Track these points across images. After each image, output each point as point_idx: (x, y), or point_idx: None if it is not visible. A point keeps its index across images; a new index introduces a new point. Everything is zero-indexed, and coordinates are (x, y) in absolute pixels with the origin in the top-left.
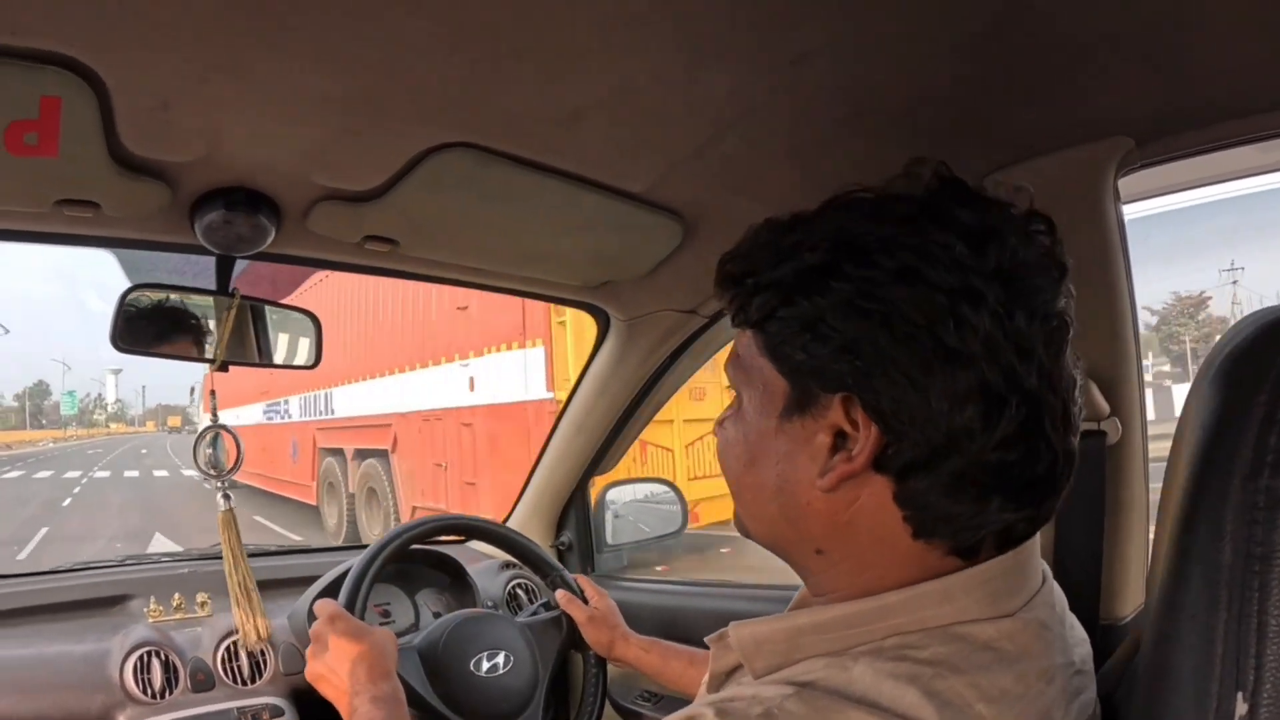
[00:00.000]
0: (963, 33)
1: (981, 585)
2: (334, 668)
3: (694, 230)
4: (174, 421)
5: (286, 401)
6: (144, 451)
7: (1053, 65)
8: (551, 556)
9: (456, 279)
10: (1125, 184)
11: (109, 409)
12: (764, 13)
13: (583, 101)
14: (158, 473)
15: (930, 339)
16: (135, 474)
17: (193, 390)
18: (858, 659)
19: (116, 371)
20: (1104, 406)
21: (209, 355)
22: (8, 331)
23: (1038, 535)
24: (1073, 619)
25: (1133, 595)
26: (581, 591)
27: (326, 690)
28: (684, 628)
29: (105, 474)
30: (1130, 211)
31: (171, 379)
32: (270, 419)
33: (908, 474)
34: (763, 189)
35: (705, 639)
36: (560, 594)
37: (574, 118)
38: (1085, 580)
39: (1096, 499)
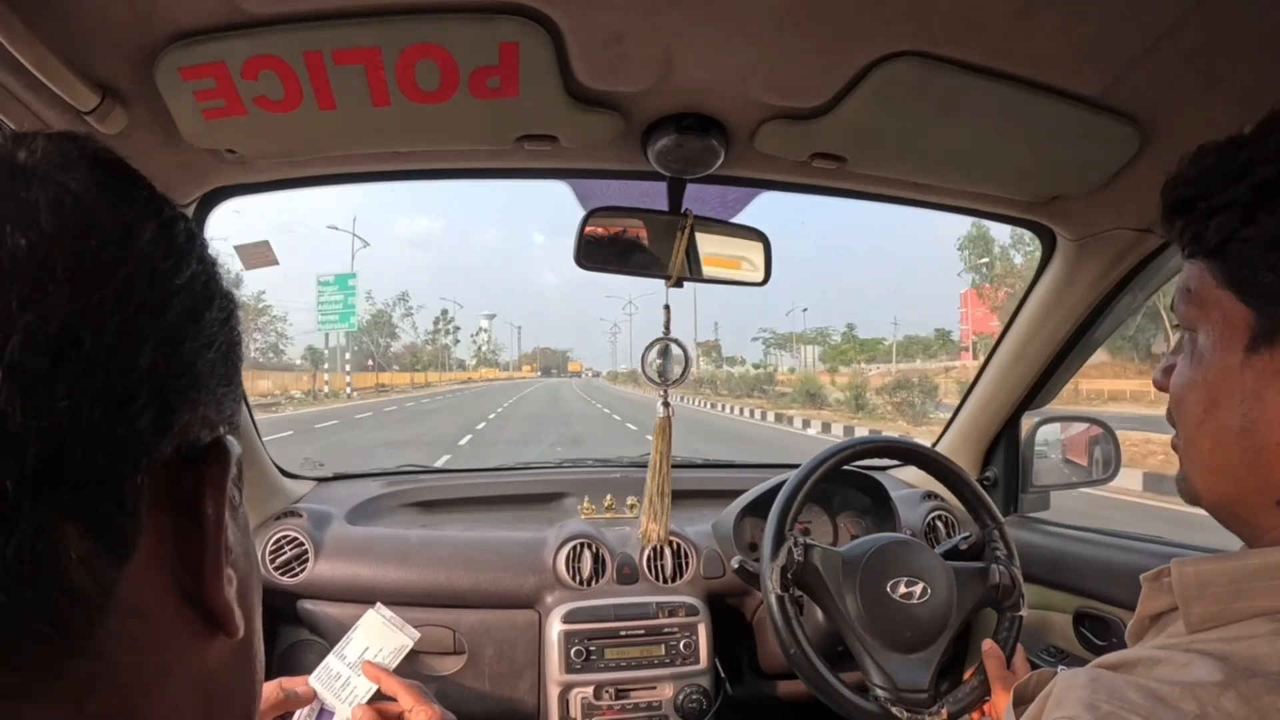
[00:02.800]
0: None
1: None
2: None
3: (1152, 137)
4: (575, 367)
5: None
6: None
7: None
8: (992, 503)
9: (901, 196)
10: None
11: (480, 348)
12: None
13: None
14: None
15: None
16: None
17: None
18: None
19: (490, 316)
20: None
21: (666, 272)
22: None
23: None
24: None
25: None
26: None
27: None
28: (1113, 585)
29: None
30: None
31: (550, 323)
32: None
33: None
34: (1231, 87)
35: (1140, 576)
36: (988, 645)
37: (1023, 14)
38: None
39: None
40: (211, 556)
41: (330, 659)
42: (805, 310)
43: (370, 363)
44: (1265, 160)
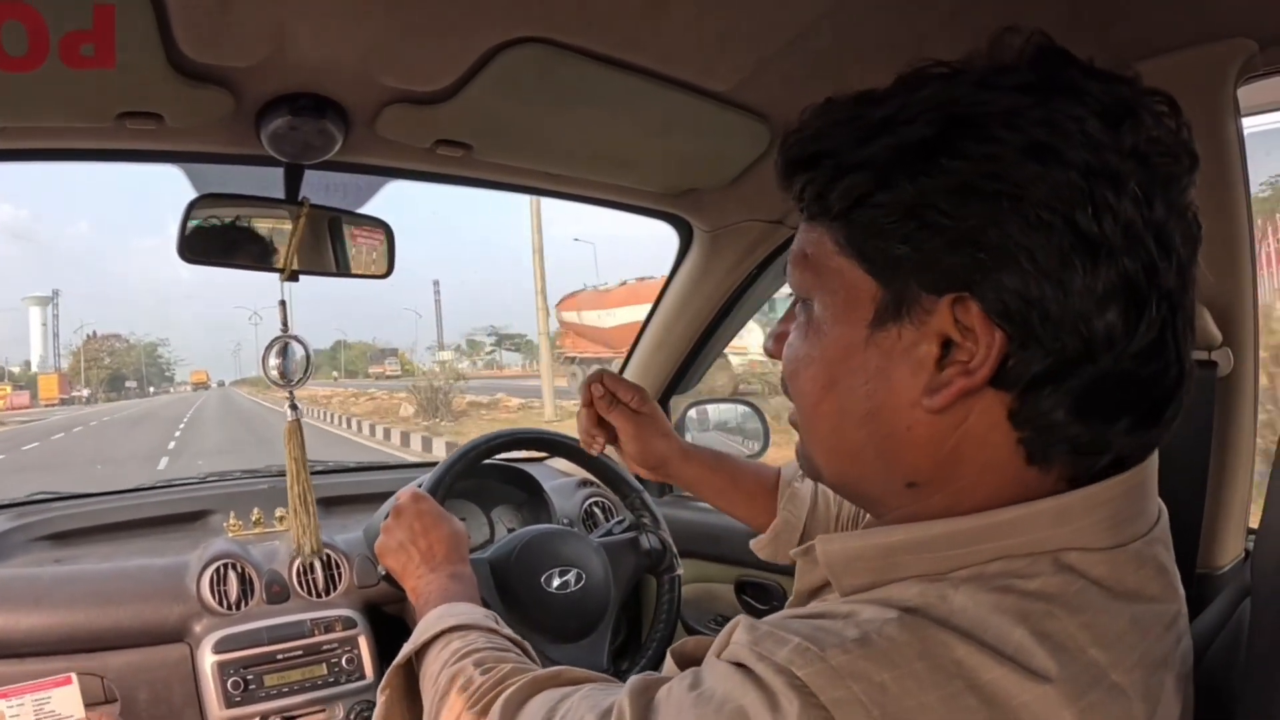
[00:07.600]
0: None
1: (1102, 505)
2: (413, 541)
3: (781, 134)
4: (198, 377)
5: None
6: None
7: None
8: (631, 476)
9: (533, 186)
10: (1246, 93)
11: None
12: None
13: None
14: None
15: (1067, 226)
16: None
17: None
18: (958, 586)
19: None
20: (1216, 334)
21: (278, 265)
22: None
23: (1156, 458)
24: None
25: (1232, 544)
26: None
27: (395, 562)
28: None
29: None
30: (1251, 125)
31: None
32: None
33: (1033, 388)
34: (855, 89)
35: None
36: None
37: (656, 8)
38: (1185, 524)
39: (1204, 436)
40: None
41: None
42: None
43: None
44: (908, 120)
